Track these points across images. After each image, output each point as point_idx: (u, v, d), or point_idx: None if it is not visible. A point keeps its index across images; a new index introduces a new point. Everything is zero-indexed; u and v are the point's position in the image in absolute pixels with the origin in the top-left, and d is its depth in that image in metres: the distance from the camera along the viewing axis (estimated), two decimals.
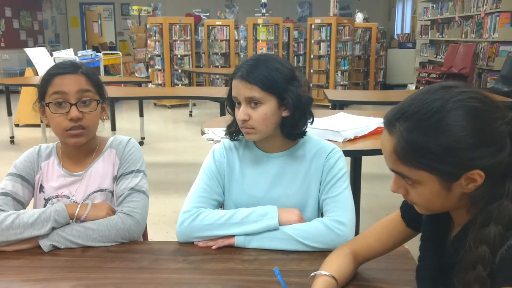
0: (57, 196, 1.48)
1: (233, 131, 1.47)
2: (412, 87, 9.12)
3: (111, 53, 10.15)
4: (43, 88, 1.43)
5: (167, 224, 3.47)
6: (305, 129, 1.43)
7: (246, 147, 1.50)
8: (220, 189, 1.48)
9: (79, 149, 1.49)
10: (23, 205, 1.47)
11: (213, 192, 1.45)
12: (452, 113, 0.83)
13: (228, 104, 1.46)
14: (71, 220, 1.36)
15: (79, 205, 1.38)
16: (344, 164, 1.44)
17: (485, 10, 6.90)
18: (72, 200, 1.47)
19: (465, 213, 0.92)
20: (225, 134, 1.50)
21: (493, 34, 6.65)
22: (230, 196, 1.48)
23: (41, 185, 1.50)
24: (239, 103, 1.38)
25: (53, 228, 1.33)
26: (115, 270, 1.23)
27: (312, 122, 1.45)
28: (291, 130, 1.40)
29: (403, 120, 0.87)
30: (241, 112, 1.36)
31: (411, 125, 0.86)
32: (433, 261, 1.00)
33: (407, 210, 1.09)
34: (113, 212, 1.42)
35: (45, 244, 1.32)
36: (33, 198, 1.52)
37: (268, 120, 1.36)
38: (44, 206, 1.48)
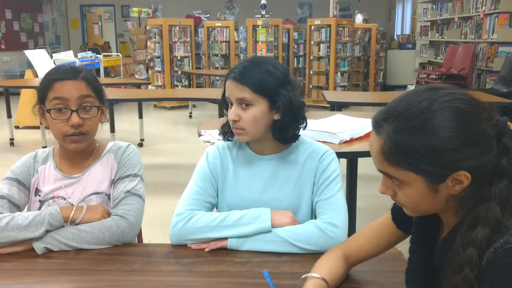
0: (53, 197, 1.49)
1: (227, 131, 1.48)
2: (412, 88, 9.10)
3: (110, 55, 10.15)
4: (43, 92, 1.43)
5: (166, 226, 3.47)
6: (297, 133, 1.43)
7: (240, 148, 1.50)
8: (213, 191, 1.48)
9: (77, 151, 1.50)
10: (19, 208, 1.48)
11: (207, 195, 1.46)
12: (438, 114, 0.83)
13: (222, 104, 1.47)
14: (65, 223, 1.36)
15: (74, 208, 1.39)
16: (337, 166, 1.44)
17: (484, 11, 6.90)
18: (68, 202, 1.48)
19: (453, 215, 0.92)
20: (219, 134, 1.51)
21: (492, 35, 6.65)
22: (224, 198, 1.48)
23: (36, 188, 1.51)
24: (231, 104, 1.39)
25: (47, 231, 1.34)
26: (108, 272, 1.23)
27: (306, 126, 1.45)
28: (281, 134, 1.40)
29: (390, 120, 0.88)
30: (231, 113, 1.37)
31: (398, 125, 0.86)
32: (422, 263, 1.00)
33: (397, 212, 1.10)
34: (108, 214, 1.42)
35: (38, 247, 1.32)
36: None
37: (258, 122, 1.36)
38: (39, 207, 1.48)
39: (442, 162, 0.84)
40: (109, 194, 1.50)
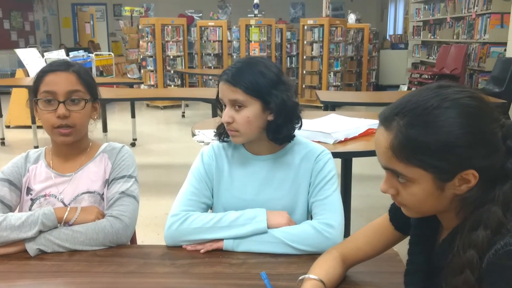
0: (44, 195, 1.48)
1: (222, 132, 1.47)
2: (404, 88, 9.15)
3: (100, 54, 10.09)
4: (35, 85, 1.44)
5: (159, 226, 3.46)
6: (292, 133, 1.42)
7: (235, 148, 1.49)
8: (208, 192, 1.47)
9: (70, 148, 1.50)
10: (10, 209, 1.46)
11: (202, 195, 1.45)
12: (451, 110, 0.83)
13: (218, 105, 1.46)
14: (59, 224, 1.35)
15: (68, 209, 1.37)
16: (333, 167, 1.44)
17: (476, 11, 6.94)
18: (60, 199, 1.46)
19: (454, 216, 0.91)
20: (215, 135, 1.50)
21: (484, 35, 6.70)
22: (219, 199, 1.47)
23: (28, 187, 1.50)
24: (225, 105, 1.38)
25: (40, 232, 1.32)
26: (103, 274, 1.22)
27: (300, 127, 1.44)
28: (275, 135, 1.39)
29: (401, 115, 0.86)
30: (225, 114, 1.37)
31: (410, 120, 0.85)
32: (421, 265, 1.00)
33: (395, 213, 1.09)
34: (103, 216, 1.41)
35: (31, 248, 1.30)
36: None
37: (252, 124, 1.36)
38: (31, 205, 1.47)
39: (453, 159, 0.83)
40: (102, 194, 1.49)
